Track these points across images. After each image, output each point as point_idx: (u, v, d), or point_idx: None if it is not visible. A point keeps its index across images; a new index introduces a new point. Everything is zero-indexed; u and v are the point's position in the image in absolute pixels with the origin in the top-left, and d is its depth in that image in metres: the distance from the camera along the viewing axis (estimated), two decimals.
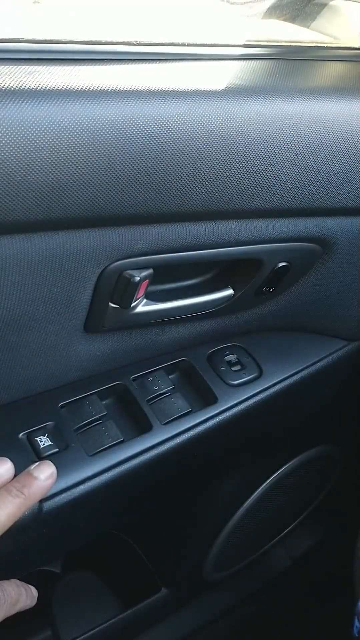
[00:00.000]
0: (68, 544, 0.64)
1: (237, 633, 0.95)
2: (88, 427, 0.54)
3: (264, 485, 0.77)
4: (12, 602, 0.48)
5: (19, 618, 0.50)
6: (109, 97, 0.40)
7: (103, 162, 0.40)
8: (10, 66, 0.38)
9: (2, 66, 0.38)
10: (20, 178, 0.37)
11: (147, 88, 0.42)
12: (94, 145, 0.39)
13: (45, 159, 0.38)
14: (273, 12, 0.59)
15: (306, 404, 0.75)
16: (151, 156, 0.42)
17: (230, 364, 0.63)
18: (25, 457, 0.49)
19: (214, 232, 0.51)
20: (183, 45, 0.48)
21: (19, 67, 0.39)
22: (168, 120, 0.42)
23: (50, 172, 0.38)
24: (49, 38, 0.42)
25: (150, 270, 0.50)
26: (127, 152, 0.41)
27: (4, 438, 0.51)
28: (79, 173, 0.40)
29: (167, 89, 0.43)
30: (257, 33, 0.57)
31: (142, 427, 0.55)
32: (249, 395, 0.62)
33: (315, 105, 0.49)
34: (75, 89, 0.39)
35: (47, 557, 0.65)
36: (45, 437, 0.51)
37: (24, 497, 0.45)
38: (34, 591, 0.52)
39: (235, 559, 0.89)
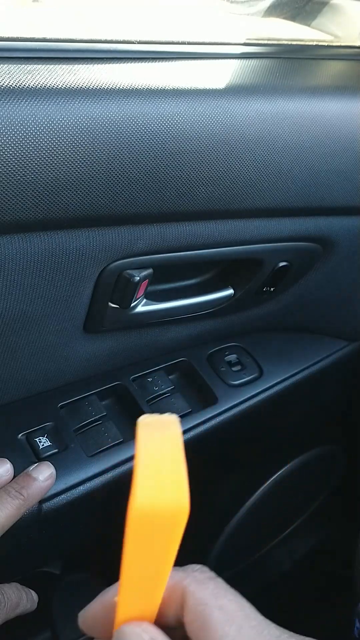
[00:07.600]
0: (68, 545, 0.63)
1: None
2: (88, 427, 0.53)
3: (264, 486, 0.77)
4: (13, 605, 0.48)
5: (19, 619, 0.50)
6: (109, 95, 0.40)
7: (102, 161, 0.40)
8: (9, 65, 0.38)
9: (1, 65, 0.38)
10: (19, 177, 0.37)
11: (146, 87, 0.41)
12: (93, 144, 0.39)
13: (44, 158, 0.38)
14: (273, 10, 0.59)
15: (307, 404, 0.74)
16: (151, 155, 0.42)
17: (230, 364, 0.63)
18: (24, 458, 0.49)
19: (214, 232, 0.51)
20: (183, 43, 0.48)
21: (18, 65, 0.38)
22: (168, 119, 0.42)
23: (49, 171, 0.38)
24: (48, 36, 0.42)
25: (150, 270, 0.50)
26: (127, 151, 0.41)
27: (3, 439, 0.50)
28: (78, 172, 0.39)
29: (167, 87, 0.42)
30: (258, 31, 0.57)
31: None
32: (249, 395, 0.61)
33: (316, 104, 0.48)
34: (75, 87, 0.39)
35: (46, 559, 0.65)
36: (44, 438, 0.51)
37: (23, 498, 0.45)
38: (34, 595, 0.52)
39: (236, 560, 0.89)
